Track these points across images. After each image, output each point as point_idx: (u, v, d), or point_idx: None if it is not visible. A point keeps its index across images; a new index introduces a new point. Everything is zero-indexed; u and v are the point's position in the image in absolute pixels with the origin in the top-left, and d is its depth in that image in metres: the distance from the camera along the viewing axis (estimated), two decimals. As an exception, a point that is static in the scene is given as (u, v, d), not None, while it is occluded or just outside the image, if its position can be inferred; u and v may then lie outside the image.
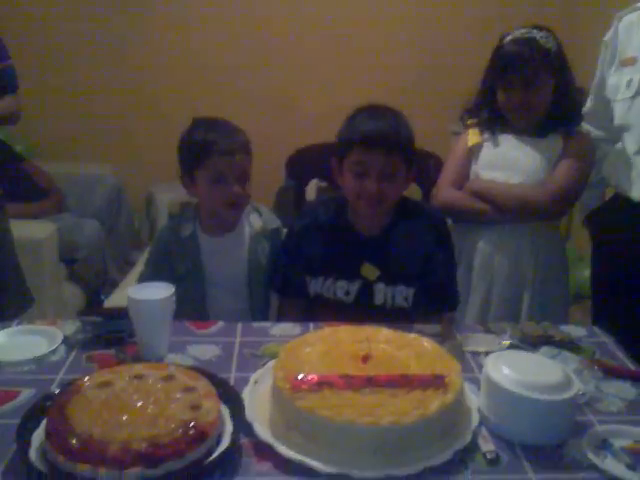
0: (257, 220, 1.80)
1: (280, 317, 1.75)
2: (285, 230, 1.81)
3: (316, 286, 1.67)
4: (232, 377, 1.28)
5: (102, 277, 3.19)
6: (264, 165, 2.69)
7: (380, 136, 1.54)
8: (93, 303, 3.01)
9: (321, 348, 1.23)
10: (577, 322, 2.12)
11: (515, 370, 1.15)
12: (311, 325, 1.51)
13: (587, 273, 3.16)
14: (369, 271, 1.64)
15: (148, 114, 3.75)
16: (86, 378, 1.14)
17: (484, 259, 1.91)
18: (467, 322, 1.69)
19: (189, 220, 1.76)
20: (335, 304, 1.66)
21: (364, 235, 1.66)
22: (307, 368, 1.15)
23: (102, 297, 2.92)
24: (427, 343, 1.28)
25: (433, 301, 1.65)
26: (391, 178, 1.57)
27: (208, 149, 1.64)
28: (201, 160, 1.66)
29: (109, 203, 3.35)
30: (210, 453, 1.02)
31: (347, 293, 1.65)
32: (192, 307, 1.68)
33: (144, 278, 1.73)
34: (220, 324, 1.51)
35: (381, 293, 1.64)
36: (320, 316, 1.58)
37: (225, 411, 1.12)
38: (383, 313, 1.61)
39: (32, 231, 2.72)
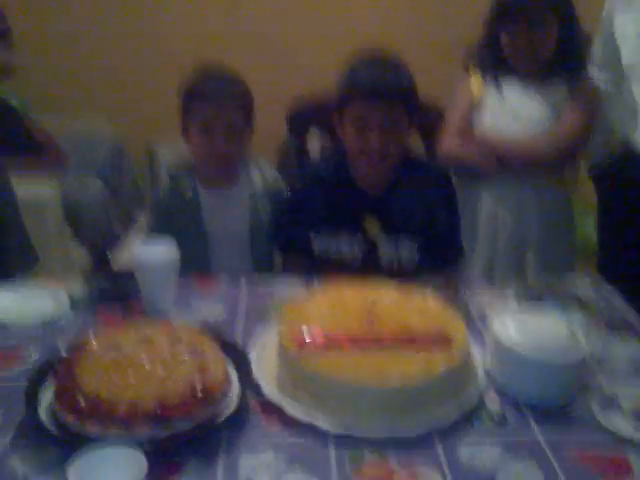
0: (257, 176, 1.77)
1: (284, 276, 1.72)
2: (286, 186, 1.79)
3: (319, 244, 1.65)
4: (238, 335, 1.28)
5: (108, 237, 3.18)
6: (266, 120, 2.65)
7: (381, 88, 1.50)
8: (100, 262, 3.00)
9: (326, 306, 1.23)
10: (582, 276, 2.12)
11: (522, 331, 1.15)
12: (316, 282, 1.50)
13: (592, 225, 3.16)
14: (372, 227, 1.62)
15: (148, 66, 3.66)
16: (93, 339, 1.13)
17: (488, 213, 1.91)
18: (472, 277, 1.69)
19: (188, 178, 1.73)
20: (339, 262, 1.64)
21: (367, 192, 1.64)
22: (312, 327, 1.15)
23: (108, 255, 2.92)
24: (432, 301, 1.27)
25: (438, 255, 1.64)
26: (393, 131, 1.53)
27: (196, 96, 1.62)
28: (190, 109, 1.63)
29: (110, 161, 3.31)
30: (218, 414, 1.02)
31: (351, 250, 1.63)
32: (195, 264, 1.66)
33: (149, 236, 1.71)
34: (225, 281, 1.52)
35: (385, 249, 1.61)
36: (324, 274, 1.56)
37: (232, 372, 1.12)
38: (388, 270, 1.61)
39: (35, 191, 2.70)
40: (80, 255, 3.00)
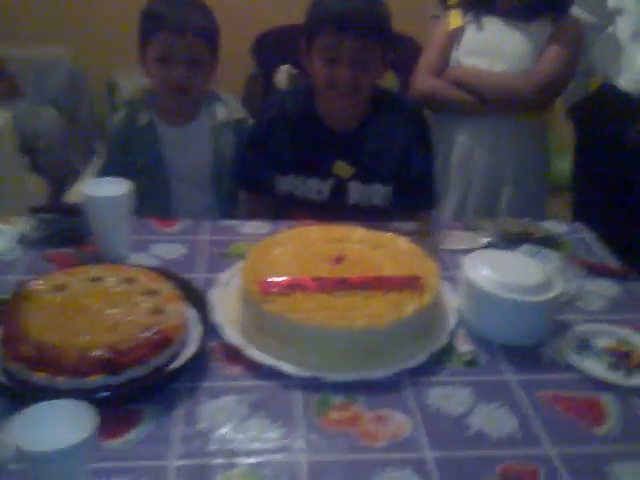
0: (221, 110, 1.67)
1: (249, 216, 1.64)
2: (252, 121, 1.69)
3: (286, 184, 1.57)
4: (199, 278, 1.22)
5: (66, 168, 3.05)
6: (232, 50, 2.50)
7: (353, 16, 1.38)
8: (58, 194, 2.90)
9: (292, 248, 1.17)
10: (555, 215, 2.09)
11: (494, 270, 1.10)
12: (282, 223, 1.43)
13: (566, 164, 3.13)
14: (342, 169, 1.53)
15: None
16: (40, 280, 1.06)
17: (463, 152, 1.83)
18: (444, 218, 1.63)
19: (145, 107, 1.62)
20: (307, 203, 1.57)
21: (337, 130, 1.54)
22: (277, 270, 1.09)
23: (66, 188, 2.81)
24: (403, 242, 1.22)
25: (411, 199, 1.57)
26: (366, 64, 1.43)
27: (157, 24, 1.49)
28: (149, 35, 1.51)
29: (67, 89, 3.15)
30: (175, 358, 0.97)
31: (319, 192, 1.55)
32: (155, 203, 1.59)
33: (104, 171, 1.62)
34: (186, 222, 1.43)
35: (356, 192, 1.55)
36: (291, 216, 1.50)
37: (192, 314, 1.06)
38: (359, 213, 1.53)
39: (-13, 121, 2.56)
40: (38, 186, 2.89)
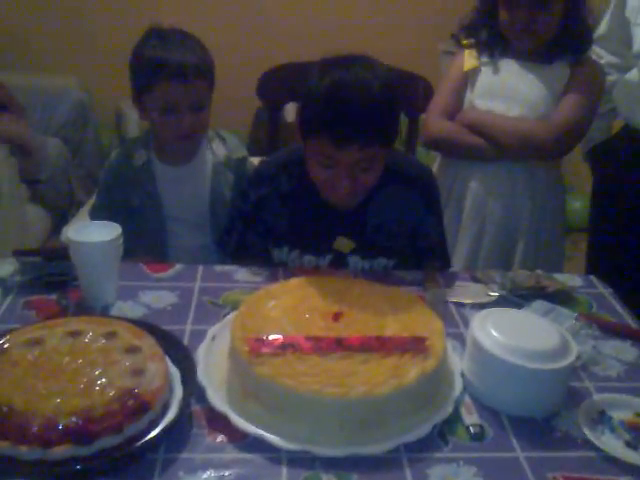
0: (221, 148, 1.60)
1: None
2: (251, 161, 1.62)
3: (280, 256, 1.44)
4: (187, 330, 1.14)
5: (68, 199, 3.01)
6: (239, 88, 2.46)
7: (355, 132, 1.17)
8: (59, 226, 2.85)
9: (287, 302, 1.09)
10: (568, 258, 2.00)
11: (505, 332, 1.02)
12: (280, 271, 1.35)
13: (578, 205, 3.06)
14: (343, 245, 1.39)
15: (117, 19, 3.42)
16: (14, 333, 0.98)
17: (476, 200, 1.74)
18: (453, 269, 1.54)
19: (143, 146, 1.56)
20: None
21: (337, 209, 1.36)
22: (270, 326, 1.01)
23: (68, 220, 2.76)
24: (408, 296, 1.14)
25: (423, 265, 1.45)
26: (370, 166, 1.25)
27: (157, 72, 1.40)
28: (149, 84, 1.42)
29: (74, 119, 3.11)
30: (154, 425, 0.89)
31: (317, 267, 1.42)
32: (150, 243, 1.52)
33: (96, 209, 1.56)
34: (179, 267, 1.35)
35: (356, 265, 1.42)
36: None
37: (175, 374, 0.98)
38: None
39: (-10, 149, 2.53)
40: (39, 217, 2.84)
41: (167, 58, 1.40)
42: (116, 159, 1.58)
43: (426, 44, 3.08)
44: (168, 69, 1.39)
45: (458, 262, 1.71)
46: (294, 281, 1.16)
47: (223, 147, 1.60)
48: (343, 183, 1.24)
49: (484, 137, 1.68)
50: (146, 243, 1.52)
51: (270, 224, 1.42)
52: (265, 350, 0.96)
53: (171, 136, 1.49)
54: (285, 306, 1.08)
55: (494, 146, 1.68)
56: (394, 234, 1.40)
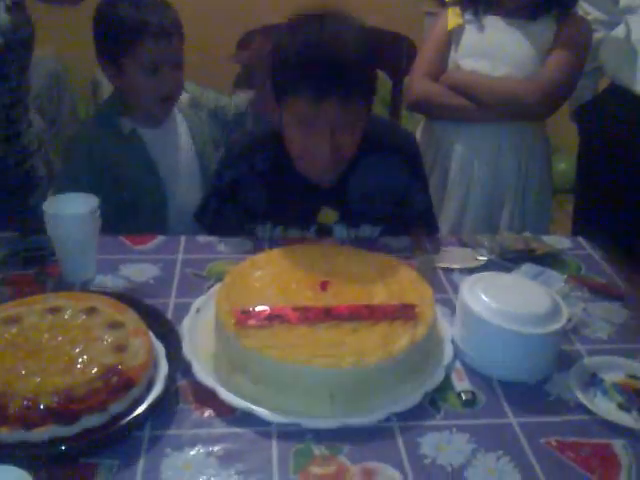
0: (182, 95, 1.56)
1: None
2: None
3: (263, 233, 1.38)
4: (171, 303, 1.11)
5: (45, 169, 2.94)
6: (216, 50, 2.38)
7: (333, 84, 1.12)
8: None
9: (273, 272, 1.06)
10: (553, 220, 1.99)
11: (495, 297, 1.00)
12: (266, 243, 1.32)
13: (563, 166, 3.04)
14: (327, 216, 1.35)
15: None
16: (-11, 312, 0.95)
17: (462, 162, 1.71)
18: (440, 234, 1.51)
19: (120, 113, 1.49)
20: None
21: (318, 184, 1.32)
22: (256, 297, 0.99)
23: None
24: (395, 263, 1.11)
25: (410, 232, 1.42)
26: (349, 126, 1.20)
27: (140, 32, 1.36)
28: (129, 46, 1.38)
29: (49, 90, 3.03)
30: (139, 402, 0.86)
31: (301, 235, 1.37)
32: (149, 212, 1.50)
33: (73, 184, 1.49)
34: (161, 238, 1.32)
35: (342, 233, 1.38)
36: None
37: (159, 349, 0.95)
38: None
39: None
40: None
41: (148, 18, 1.37)
42: (95, 131, 1.52)
43: (409, 5, 3.02)
44: (151, 28, 1.36)
45: (445, 226, 1.69)
46: (278, 250, 1.13)
47: (183, 92, 1.57)
48: (323, 148, 1.19)
49: (469, 98, 1.65)
50: (146, 214, 1.49)
51: (249, 203, 1.36)
52: (252, 322, 0.93)
53: (154, 98, 1.45)
54: (271, 276, 1.05)
55: (480, 107, 1.64)
56: (378, 203, 1.37)
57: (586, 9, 1.72)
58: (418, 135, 1.82)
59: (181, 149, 1.55)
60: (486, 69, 1.65)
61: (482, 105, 1.64)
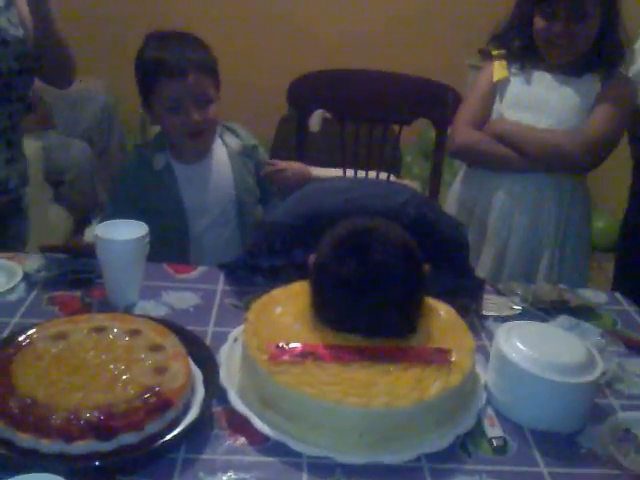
0: (233, 139, 1.61)
1: None
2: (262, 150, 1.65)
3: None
4: (209, 331, 1.14)
5: (91, 201, 3.03)
6: (266, 93, 2.46)
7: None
8: (81, 228, 2.88)
9: (296, 309, 1.06)
10: (591, 279, 1.97)
11: (530, 345, 1.00)
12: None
13: (601, 224, 3.03)
14: None
15: (145, 23, 3.45)
16: (38, 327, 0.99)
17: (501, 211, 1.72)
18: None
19: (158, 150, 1.55)
20: None
21: None
22: (284, 334, 0.99)
23: (90, 222, 2.78)
24: (440, 308, 1.10)
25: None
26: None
27: (156, 71, 1.42)
28: (151, 84, 1.44)
29: (99, 123, 3.15)
30: (175, 424, 0.88)
31: None
32: (174, 247, 1.52)
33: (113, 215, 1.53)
34: (202, 269, 1.35)
35: None
36: None
37: (197, 374, 0.98)
38: None
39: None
40: (61, 217, 2.87)
41: (164, 56, 1.42)
42: (133, 165, 1.58)
43: (453, 59, 3.08)
44: (166, 66, 1.41)
45: (483, 274, 1.69)
46: (296, 286, 1.13)
47: (235, 138, 1.62)
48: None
49: (512, 148, 1.67)
50: (170, 247, 1.52)
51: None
52: (285, 358, 0.94)
53: (181, 134, 1.49)
54: (294, 312, 1.05)
55: (522, 157, 1.66)
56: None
57: (632, 69, 1.74)
58: (457, 183, 1.85)
59: (216, 190, 1.57)
60: (530, 120, 1.67)
61: (525, 155, 1.65)
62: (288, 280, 1.17)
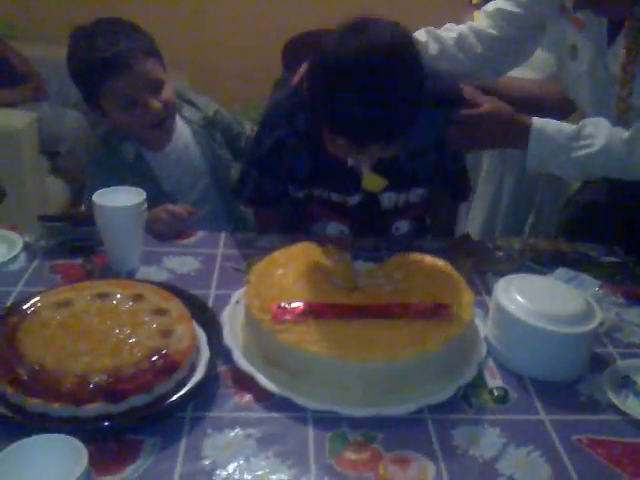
0: (193, 112, 1.53)
1: (259, 229, 1.48)
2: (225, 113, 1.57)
3: (303, 195, 1.37)
4: (211, 294, 1.15)
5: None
6: (259, 56, 2.44)
7: (377, 132, 1.08)
8: (79, 197, 2.87)
9: (297, 269, 1.07)
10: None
11: (529, 298, 1.02)
12: (301, 237, 1.34)
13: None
14: (373, 182, 1.24)
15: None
16: (41, 295, 1.00)
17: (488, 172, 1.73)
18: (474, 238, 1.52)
19: (125, 137, 1.45)
20: (332, 204, 1.37)
21: None
22: (286, 294, 1.00)
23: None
24: (438, 264, 1.12)
25: (449, 191, 1.45)
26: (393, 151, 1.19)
27: (99, 72, 1.30)
28: (97, 86, 1.33)
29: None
30: (182, 384, 0.90)
31: (344, 200, 1.35)
32: None
33: None
34: (201, 234, 1.36)
35: (391, 200, 1.36)
36: (312, 218, 1.39)
37: (201, 336, 0.99)
38: (395, 215, 1.40)
39: (9, 120, 2.56)
40: (58, 189, 2.86)
41: (102, 54, 1.30)
42: (102, 157, 1.48)
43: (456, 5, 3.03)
44: (108, 64, 1.30)
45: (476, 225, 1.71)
46: (296, 248, 1.14)
47: (195, 110, 1.54)
48: (366, 165, 1.20)
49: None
50: None
51: (289, 167, 1.33)
52: (287, 317, 0.95)
53: (142, 127, 1.40)
54: (295, 273, 1.06)
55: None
56: (425, 161, 1.34)
57: None
58: None
59: (190, 169, 1.52)
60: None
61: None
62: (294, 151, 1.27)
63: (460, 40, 1.43)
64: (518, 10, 1.41)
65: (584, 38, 1.31)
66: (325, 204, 1.38)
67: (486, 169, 1.74)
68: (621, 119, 1.25)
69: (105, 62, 1.30)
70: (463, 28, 1.45)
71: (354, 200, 1.36)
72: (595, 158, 1.22)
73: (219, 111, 1.58)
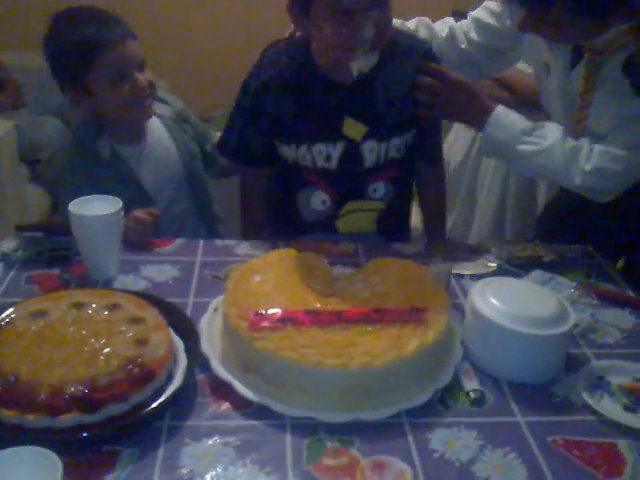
0: (163, 107, 1.56)
1: (243, 194, 1.51)
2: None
3: (288, 153, 1.40)
4: (190, 302, 1.15)
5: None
6: (243, 61, 2.41)
7: None
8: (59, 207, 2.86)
9: (275, 277, 1.08)
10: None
11: (504, 300, 1.03)
12: (280, 243, 1.35)
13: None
14: (353, 129, 1.31)
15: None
16: (17, 306, 0.99)
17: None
18: (451, 239, 1.54)
19: (95, 136, 1.44)
20: (316, 172, 1.41)
21: (342, 82, 1.32)
22: (264, 301, 1.00)
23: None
24: (415, 269, 1.13)
25: (424, 145, 1.46)
26: (384, 18, 1.22)
27: (95, 46, 1.35)
28: (90, 63, 1.36)
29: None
30: (159, 393, 0.90)
31: (328, 159, 1.38)
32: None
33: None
34: (179, 241, 1.36)
35: (373, 152, 1.38)
36: (298, 185, 1.43)
37: (179, 344, 0.99)
38: (373, 174, 1.42)
39: (-11, 130, 2.53)
40: (38, 197, 2.84)
41: (97, 31, 1.36)
42: (75, 158, 1.45)
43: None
44: (104, 38, 1.35)
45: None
46: (274, 255, 1.15)
47: (165, 105, 1.57)
48: (356, 36, 1.21)
49: (509, 91, 1.68)
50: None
51: (274, 116, 1.36)
52: (265, 324, 0.95)
53: (129, 103, 1.41)
54: (273, 280, 1.06)
55: (518, 100, 1.68)
56: (404, 108, 1.36)
57: None
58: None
59: (166, 161, 1.52)
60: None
61: (521, 98, 1.68)
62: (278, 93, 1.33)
63: (450, 34, 1.48)
64: (494, 22, 1.44)
65: (554, 57, 1.34)
66: (311, 171, 1.41)
67: (489, 178, 1.75)
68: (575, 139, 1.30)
69: (103, 35, 1.36)
70: (454, 23, 1.50)
71: (337, 152, 1.38)
72: (536, 157, 1.30)
73: (185, 109, 1.62)
